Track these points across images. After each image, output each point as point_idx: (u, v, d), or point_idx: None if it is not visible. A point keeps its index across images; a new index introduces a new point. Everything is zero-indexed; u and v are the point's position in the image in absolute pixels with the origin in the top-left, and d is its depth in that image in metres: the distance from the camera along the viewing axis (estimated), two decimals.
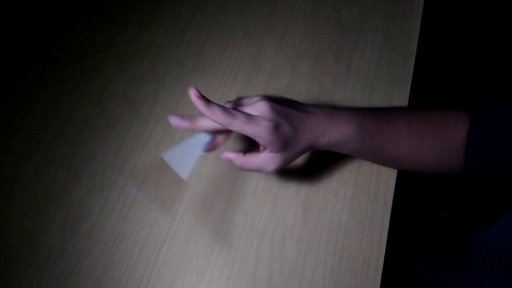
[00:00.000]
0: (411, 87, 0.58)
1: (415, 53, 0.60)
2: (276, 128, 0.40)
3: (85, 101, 0.62)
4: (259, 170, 0.44)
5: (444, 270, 0.56)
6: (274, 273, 0.48)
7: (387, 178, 0.52)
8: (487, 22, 1.26)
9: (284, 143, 0.41)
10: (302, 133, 0.42)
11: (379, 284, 0.47)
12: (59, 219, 0.53)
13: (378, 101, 0.57)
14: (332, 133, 0.44)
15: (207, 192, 0.54)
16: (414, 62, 0.60)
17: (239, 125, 0.39)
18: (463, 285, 0.50)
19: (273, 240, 0.50)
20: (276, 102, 0.42)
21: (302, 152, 0.44)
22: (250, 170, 0.44)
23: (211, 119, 0.39)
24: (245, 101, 0.44)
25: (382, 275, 0.47)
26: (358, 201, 0.51)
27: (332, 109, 0.45)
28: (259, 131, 0.40)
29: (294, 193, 0.52)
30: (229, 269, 0.49)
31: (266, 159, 0.43)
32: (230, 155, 0.44)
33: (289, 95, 0.59)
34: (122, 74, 0.63)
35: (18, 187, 0.56)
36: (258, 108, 0.41)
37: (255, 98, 0.42)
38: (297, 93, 0.59)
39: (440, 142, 0.45)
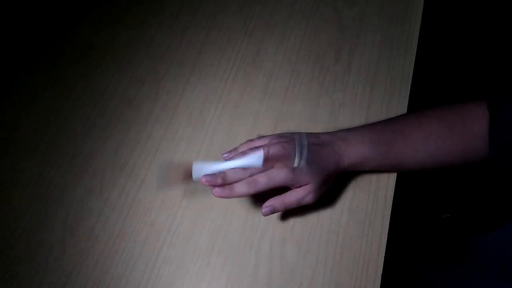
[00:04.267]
0: (411, 87, 0.58)
1: (415, 53, 0.60)
2: (294, 169, 0.44)
3: (85, 101, 0.62)
4: (299, 204, 0.46)
5: (444, 270, 0.56)
6: (274, 273, 0.48)
7: (387, 178, 0.52)
8: (487, 22, 1.26)
9: (310, 176, 0.44)
10: (322, 163, 0.45)
11: (379, 284, 0.47)
12: (59, 219, 0.53)
13: (378, 101, 0.57)
14: (349, 155, 0.46)
15: (207, 192, 0.54)
16: (414, 62, 0.60)
17: (265, 186, 0.44)
18: (464, 286, 0.50)
19: (273, 240, 0.50)
20: (287, 142, 0.45)
21: (329, 178, 0.47)
22: (291, 207, 0.46)
23: (240, 196, 0.45)
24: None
25: (382, 275, 0.47)
26: (358, 201, 0.51)
27: (344, 132, 0.48)
28: (283, 178, 0.44)
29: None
30: (229, 269, 0.49)
31: (301, 192, 0.45)
32: (271, 204, 0.46)
33: (289, 95, 0.59)
34: (122, 74, 0.63)
35: (18, 187, 0.56)
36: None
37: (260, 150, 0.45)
38: (297, 93, 0.59)
39: (458, 140, 0.45)
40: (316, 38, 0.64)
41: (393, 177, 0.52)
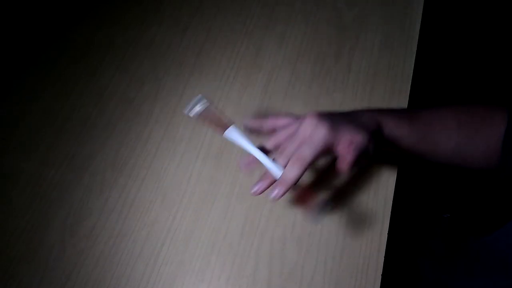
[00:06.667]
0: (411, 87, 0.58)
1: (415, 53, 0.60)
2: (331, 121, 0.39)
3: (85, 101, 0.62)
4: (360, 147, 0.39)
5: (445, 270, 0.56)
6: (274, 273, 0.48)
7: (387, 178, 0.52)
8: (487, 22, 1.26)
9: (353, 127, 0.40)
10: (362, 121, 0.41)
11: (379, 284, 0.47)
12: (59, 219, 0.53)
13: (378, 101, 0.57)
14: (388, 124, 0.43)
15: (207, 192, 0.54)
16: (414, 62, 0.60)
17: (312, 155, 0.38)
18: (464, 285, 0.50)
19: (273, 240, 0.50)
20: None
21: (373, 136, 0.41)
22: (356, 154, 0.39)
23: (295, 182, 0.39)
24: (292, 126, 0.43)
25: (382, 275, 0.47)
26: (358, 201, 0.51)
27: (379, 109, 0.45)
28: (325, 134, 0.38)
29: (294, 193, 0.52)
30: (229, 269, 0.49)
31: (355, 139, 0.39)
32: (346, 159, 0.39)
33: (289, 95, 0.59)
34: (122, 74, 0.63)
35: (18, 187, 0.56)
36: (306, 120, 0.40)
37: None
38: (297, 93, 0.59)
39: (486, 137, 0.45)
40: (316, 38, 0.64)
41: (393, 177, 0.52)
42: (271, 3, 0.68)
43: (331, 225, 0.50)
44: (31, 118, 0.61)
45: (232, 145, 0.56)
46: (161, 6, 0.69)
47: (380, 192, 0.52)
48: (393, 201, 0.51)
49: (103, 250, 0.51)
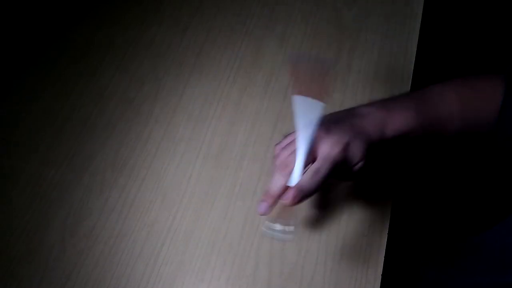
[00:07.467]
0: (411, 87, 0.58)
1: (415, 53, 0.60)
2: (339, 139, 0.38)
3: (85, 101, 0.62)
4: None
5: (444, 270, 0.56)
6: (274, 273, 0.48)
7: (387, 178, 0.52)
8: (487, 22, 1.26)
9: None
10: (360, 133, 0.40)
11: (379, 284, 0.47)
12: (59, 219, 0.53)
13: None
14: (394, 125, 0.42)
15: (207, 192, 0.54)
16: (414, 62, 0.60)
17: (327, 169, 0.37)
18: (464, 285, 0.50)
19: (273, 240, 0.50)
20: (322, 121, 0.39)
21: (367, 147, 0.40)
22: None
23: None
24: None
25: (382, 275, 0.47)
26: (358, 201, 0.51)
27: (384, 102, 0.43)
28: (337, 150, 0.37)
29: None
30: (229, 269, 0.49)
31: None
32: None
33: (289, 95, 0.59)
34: (122, 74, 0.63)
35: (18, 187, 0.56)
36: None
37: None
38: None
39: (488, 106, 0.45)
40: (316, 38, 0.64)
41: (393, 177, 0.52)
42: (271, 3, 0.68)
43: (331, 225, 0.50)
44: (31, 118, 0.61)
45: (232, 145, 0.56)
46: (161, 6, 0.69)
47: (380, 193, 0.52)
48: (393, 201, 0.51)
49: (103, 250, 0.51)
